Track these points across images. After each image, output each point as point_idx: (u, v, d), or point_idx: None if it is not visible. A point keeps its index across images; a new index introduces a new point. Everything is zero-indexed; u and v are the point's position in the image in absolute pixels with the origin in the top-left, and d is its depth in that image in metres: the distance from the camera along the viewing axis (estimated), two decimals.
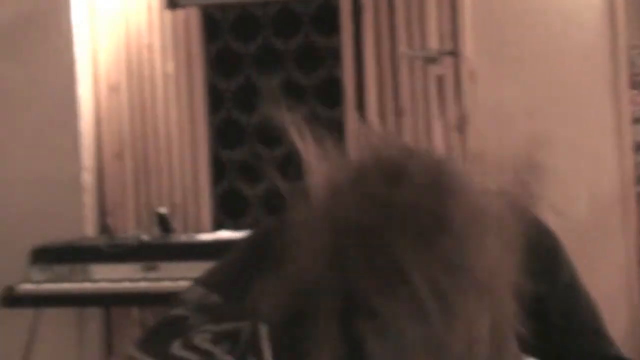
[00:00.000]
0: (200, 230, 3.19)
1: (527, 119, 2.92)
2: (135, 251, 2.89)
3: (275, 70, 3.26)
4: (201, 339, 0.88)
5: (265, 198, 3.26)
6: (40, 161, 3.37)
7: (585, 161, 3.01)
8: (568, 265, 1.11)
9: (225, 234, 3.04)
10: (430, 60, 2.72)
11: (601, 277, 2.59)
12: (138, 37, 3.31)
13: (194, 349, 0.87)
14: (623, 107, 3.02)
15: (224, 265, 1.02)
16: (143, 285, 2.80)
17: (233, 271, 1.00)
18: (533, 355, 0.93)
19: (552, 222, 1.03)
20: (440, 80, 2.81)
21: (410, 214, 0.72)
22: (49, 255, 2.97)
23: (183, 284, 2.69)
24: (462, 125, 2.99)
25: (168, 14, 3.27)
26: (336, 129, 3.10)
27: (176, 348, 0.88)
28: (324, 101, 3.20)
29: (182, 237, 3.03)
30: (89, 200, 3.33)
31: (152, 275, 2.81)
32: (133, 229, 3.27)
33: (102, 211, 3.37)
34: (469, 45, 2.97)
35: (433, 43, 2.97)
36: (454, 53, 2.86)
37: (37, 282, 2.94)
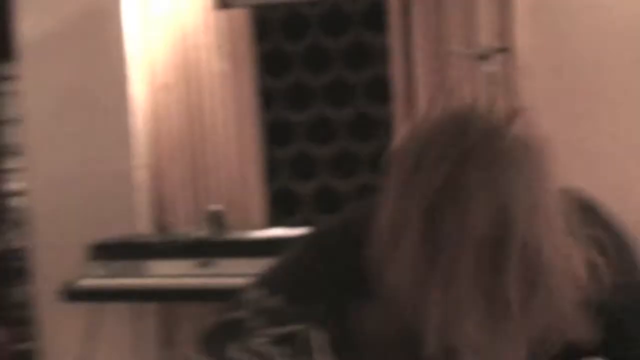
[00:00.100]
0: (253, 227, 3.21)
1: (584, 117, 2.88)
2: (189, 248, 2.93)
3: (325, 69, 3.28)
4: (260, 342, 0.90)
5: (317, 196, 3.30)
6: (95, 159, 3.43)
7: None
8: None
9: (278, 232, 3.06)
10: (482, 57, 2.69)
11: None
12: (189, 37, 3.35)
13: (252, 351, 0.89)
14: None
15: (285, 265, 1.02)
16: (197, 281, 2.83)
17: (295, 271, 1.00)
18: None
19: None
20: (491, 77, 2.77)
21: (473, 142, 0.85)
22: (107, 251, 3.03)
23: (237, 280, 2.74)
24: None
25: (219, 14, 3.31)
26: (385, 127, 3.12)
27: (234, 350, 0.89)
28: (373, 99, 3.21)
29: (235, 235, 3.05)
30: (141, 197, 3.40)
31: (206, 271, 2.85)
32: (187, 226, 3.33)
33: (158, 208, 3.44)
34: (522, 41, 2.93)
35: (484, 39, 2.93)
36: (506, 50, 2.83)
37: (95, 277, 3.00)
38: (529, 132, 0.88)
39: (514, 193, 0.83)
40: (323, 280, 0.97)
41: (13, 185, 3.81)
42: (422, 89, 3.03)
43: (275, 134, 3.33)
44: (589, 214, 0.93)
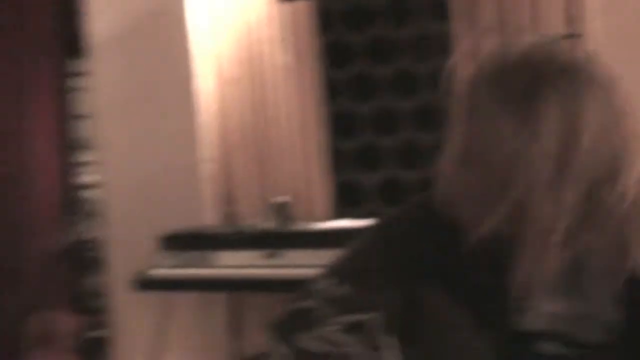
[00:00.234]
0: (318, 219, 3.23)
1: None
2: (256, 239, 2.97)
3: (389, 60, 3.27)
4: (330, 330, 0.90)
5: (382, 187, 3.29)
6: (164, 153, 3.51)
7: None
8: None
9: (343, 223, 3.07)
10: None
11: None
12: (253, 31, 3.37)
13: (324, 339, 0.89)
14: None
15: (353, 254, 1.02)
16: (264, 271, 2.87)
17: (363, 260, 1.00)
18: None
19: None
20: None
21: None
22: (176, 242, 3.10)
23: (302, 271, 2.77)
24: None
25: (282, 6, 3.33)
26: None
27: (305, 338, 0.90)
28: (438, 90, 3.17)
29: (301, 226, 3.07)
30: (208, 189, 3.46)
31: (272, 262, 2.88)
32: (254, 217, 3.37)
33: (225, 200, 3.49)
34: (593, 27, 2.84)
35: (553, 26, 2.86)
36: (576, 36, 2.76)
37: (166, 267, 3.07)
38: (607, 72, 0.92)
39: (586, 117, 0.85)
40: (391, 268, 0.97)
41: (86, 178, 3.91)
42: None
43: (340, 126, 3.33)
44: None
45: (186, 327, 3.39)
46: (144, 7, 3.51)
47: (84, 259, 3.87)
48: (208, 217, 3.42)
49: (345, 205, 3.32)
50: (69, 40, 3.79)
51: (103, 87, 3.64)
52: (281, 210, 3.10)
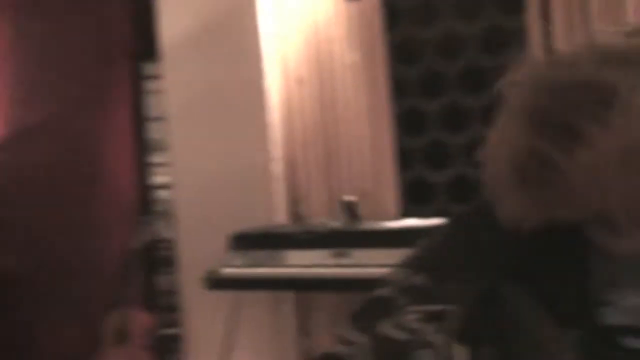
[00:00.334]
0: (387, 218, 3.21)
1: None
2: (325, 238, 2.96)
3: (458, 55, 3.21)
4: (410, 319, 0.89)
5: (451, 185, 3.24)
6: (233, 153, 3.55)
7: None
8: None
9: (412, 222, 3.03)
10: (630, 35, 2.52)
11: None
12: (321, 30, 3.38)
13: (403, 327, 0.88)
14: None
15: (428, 248, 1.02)
16: (333, 271, 2.86)
17: (438, 254, 0.99)
18: None
19: None
20: None
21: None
22: (247, 242, 3.13)
23: (371, 270, 2.75)
24: None
25: (349, 5, 3.32)
26: None
27: (384, 327, 0.89)
28: None
29: (369, 225, 3.05)
30: (278, 189, 3.48)
31: (341, 261, 2.88)
32: (322, 216, 3.38)
33: (294, 199, 3.50)
34: None
35: (632, 16, 2.75)
36: None
37: (236, 266, 3.11)
38: None
39: None
40: (468, 262, 0.96)
41: (158, 178, 4.00)
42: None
43: (409, 123, 3.30)
44: None
45: (256, 326, 3.42)
46: (215, 10, 3.56)
47: (157, 258, 3.96)
48: (277, 217, 3.44)
49: (413, 203, 3.28)
50: (143, 45, 3.88)
51: (175, 89, 3.72)
52: (349, 209, 3.09)
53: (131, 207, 3.89)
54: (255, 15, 3.44)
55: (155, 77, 3.88)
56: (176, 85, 3.70)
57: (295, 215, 3.47)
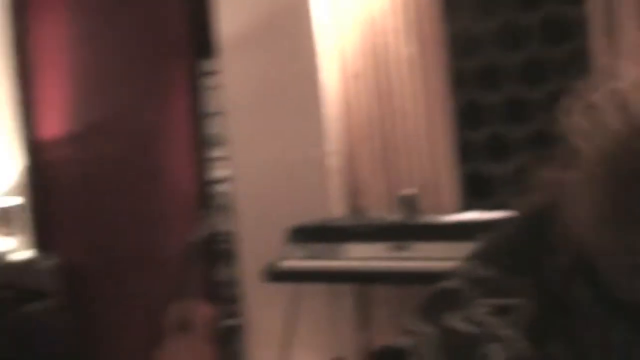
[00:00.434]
0: (446, 211, 3.19)
1: None
2: (384, 231, 2.96)
3: (518, 47, 3.16)
4: (478, 312, 0.88)
5: (512, 178, 3.20)
6: (291, 147, 3.58)
7: None
8: None
9: (472, 216, 3.01)
10: None
11: None
12: (377, 23, 3.36)
13: (471, 320, 0.88)
14: None
15: (497, 240, 1.00)
16: (392, 264, 2.85)
17: (508, 246, 0.98)
18: None
19: None
20: None
21: None
22: (305, 235, 3.15)
23: (431, 264, 2.74)
24: None
25: None
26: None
27: (452, 319, 0.89)
28: (571, 76, 3.04)
29: (429, 218, 3.04)
30: (336, 182, 3.49)
31: (400, 254, 2.87)
32: (380, 209, 3.38)
33: (352, 193, 3.51)
34: None
35: None
36: None
37: (295, 259, 3.14)
38: None
39: None
40: (539, 257, 0.94)
41: (218, 172, 4.06)
42: (629, 62, 2.79)
43: (468, 116, 3.27)
44: None
45: (315, 318, 3.45)
46: (271, 5, 3.59)
47: (218, 251, 4.02)
48: (335, 210, 3.46)
49: (473, 196, 3.25)
50: (200, 42, 3.94)
51: (233, 84, 3.76)
52: (409, 203, 3.08)
53: (191, 201, 3.95)
54: (311, 9, 3.45)
55: (213, 73, 3.94)
56: (234, 81, 3.75)
57: (354, 208, 3.47)
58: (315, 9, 3.46)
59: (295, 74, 3.53)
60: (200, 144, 4.03)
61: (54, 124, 4.24)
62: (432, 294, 0.95)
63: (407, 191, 3.15)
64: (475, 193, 3.26)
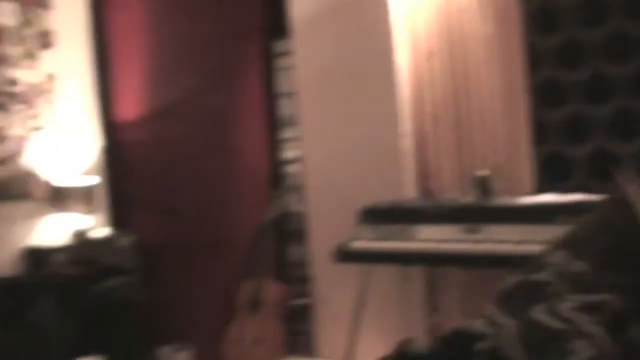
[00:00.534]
0: (521, 193, 3.11)
1: None
2: (456, 213, 2.91)
3: (601, 23, 3.03)
4: (565, 307, 0.85)
5: (591, 160, 3.08)
6: (363, 128, 3.55)
7: None
8: None
9: (548, 198, 2.90)
10: None
11: None
12: (453, 1, 3.30)
13: (558, 316, 0.84)
14: None
15: (587, 230, 0.96)
16: (464, 246, 2.80)
17: (598, 238, 0.93)
18: None
19: None
20: None
21: None
22: (376, 216, 3.13)
23: (504, 247, 2.67)
24: None
25: None
26: None
27: (538, 313, 0.86)
28: None
29: (503, 200, 2.96)
30: (408, 163, 3.45)
31: (473, 237, 2.82)
32: (452, 191, 3.32)
33: (423, 174, 3.47)
34: None
35: None
36: None
37: (365, 240, 3.12)
38: None
39: None
40: (632, 250, 0.89)
41: (289, 153, 4.07)
42: None
43: (546, 96, 3.16)
44: None
45: (385, 299, 3.44)
46: None
47: (289, 231, 4.05)
48: (407, 191, 3.42)
49: (550, 178, 3.15)
50: (273, 22, 3.95)
51: (305, 65, 3.76)
52: (482, 184, 3.02)
53: (263, 182, 3.99)
54: None
55: (286, 53, 3.94)
56: (306, 61, 3.75)
57: (425, 189, 3.43)
58: None
59: (368, 53, 3.50)
60: (273, 124, 4.06)
61: (131, 106, 4.35)
62: (516, 285, 0.92)
63: (480, 172, 3.08)
64: (553, 175, 3.16)
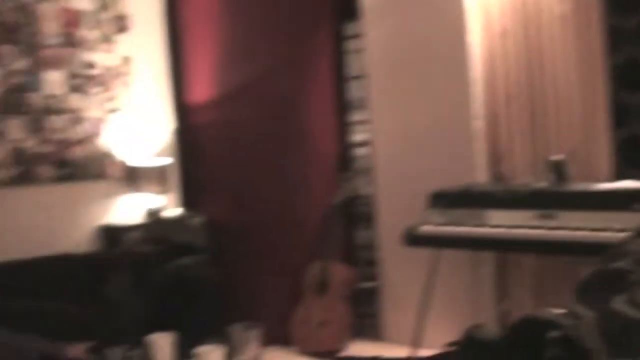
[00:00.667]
0: (598, 179, 3.01)
1: None
2: (529, 199, 2.83)
3: None
4: None
5: None
6: (434, 110, 3.51)
7: None
8: None
9: (626, 184, 2.79)
10: None
11: None
12: None
13: (638, 305, 0.81)
14: None
15: None
16: (537, 232, 2.73)
17: None
18: None
19: None
20: None
21: None
22: (446, 200, 3.09)
23: (580, 234, 2.59)
24: None
25: None
26: None
27: (618, 303, 0.82)
28: None
29: (579, 186, 2.87)
30: (480, 147, 3.38)
31: (546, 223, 2.74)
32: (524, 176, 3.24)
33: (495, 158, 3.39)
34: None
35: None
36: None
37: (435, 224, 3.09)
38: None
39: None
40: None
41: (359, 136, 4.06)
42: None
43: (625, 77, 3.04)
44: None
45: (453, 284, 3.40)
46: None
47: (358, 214, 4.04)
48: (478, 175, 3.36)
49: (629, 164, 3.03)
50: (344, 5, 3.93)
51: (376, 47, 3.73)
52: (557, 169, 2.93)
53: (332, 164, 3.99)
54: None
55: (356, 36, 3.92)
56: (376, 44, 3.71)
57: (497, 174, 3.36)
58: None
59: (439, 33, 3.44)
60: (342, 107, 4.05)
61: (203, 89, 4.41)
62: (595, 275, 0.89)
63: (555, 157, 2.99)
64: (632, 160, 3.04)
